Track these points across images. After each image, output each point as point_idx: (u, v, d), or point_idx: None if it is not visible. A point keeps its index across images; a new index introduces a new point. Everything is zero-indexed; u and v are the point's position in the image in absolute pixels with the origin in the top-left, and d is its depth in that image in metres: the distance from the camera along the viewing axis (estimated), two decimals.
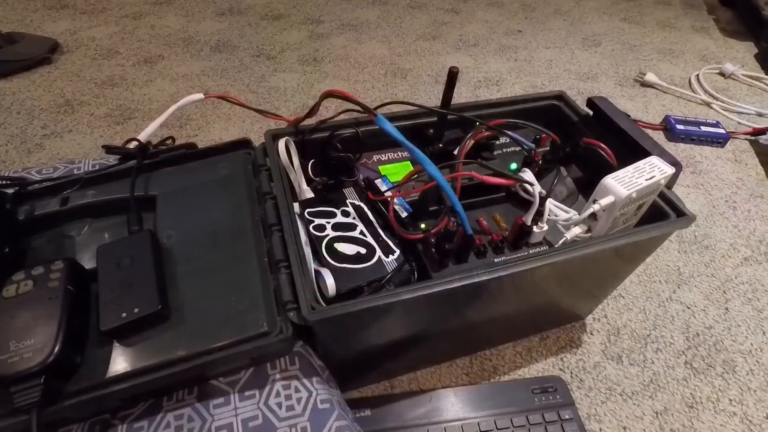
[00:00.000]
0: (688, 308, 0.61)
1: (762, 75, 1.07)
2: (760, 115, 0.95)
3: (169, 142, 0.48)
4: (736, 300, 0.62)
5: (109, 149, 0.50)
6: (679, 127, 0.87)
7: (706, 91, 1.01)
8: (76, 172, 0.54)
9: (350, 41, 1.10)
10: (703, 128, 0.87)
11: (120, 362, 0.33)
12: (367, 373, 0.49)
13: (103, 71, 0.95)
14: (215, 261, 0.39)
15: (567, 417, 0.47)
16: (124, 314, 0.33)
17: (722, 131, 0.87)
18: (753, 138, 0.90)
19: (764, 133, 0.89)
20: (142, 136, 0.51)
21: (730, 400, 0.52)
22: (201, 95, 0.53)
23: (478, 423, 0.47)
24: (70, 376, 0.32)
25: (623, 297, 0.61)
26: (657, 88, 1.02)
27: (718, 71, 1.08)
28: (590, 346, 0.56)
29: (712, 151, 0.86)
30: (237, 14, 1.18)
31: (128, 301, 0.34)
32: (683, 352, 0.56)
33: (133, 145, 0.50)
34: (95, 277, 0.37)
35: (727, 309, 0.61)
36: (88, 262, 0.39)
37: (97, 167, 0.54)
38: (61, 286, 0.33)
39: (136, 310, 0.33)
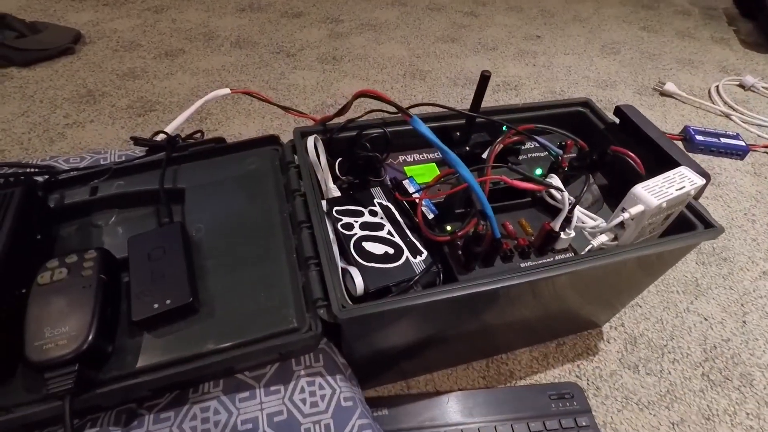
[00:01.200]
0: (706, 320, 0.60)
1: None
2: None
3: (197, 135, 0.49)
4: (754, 313, 0.62)
5: (137, 141, 0.50)
6: (699, 138, 0.86)
7: (725, 103, 1.00)
8: (102, 162, 0.55)
9: (369, 41, 1.11)
10: (723, 140, 0.87)
11: (150, 353, 0.33)
12: (385, 373, 0.50)
13: (124, 63, 0.95)
14: (244, 256, 0.39)
15: (584, 424, 0.47)
16: (155, 305, 0.33)
17: (742, 143, 0.87)
18: None
19: None
20: (171, 128, 0.51)
21: (747, 413, 0.51)
22: (227, 90, 0.53)
23: (495, 426, 0.47)
24: (102, 364, 0.32)
25: (641, 306, 0.61)
26: (676, 98, 1.01)
27: (738, 83, 1.07)
28: (607, 354, 0.55)
29: (731, 163, 0.86)
30: (257, 11, 1.18)
31: (160, 292, 0.34)
32: (700, 363, 0.56)
33: (160, 137, 0.50)
34: (125, 266, 0.37)
35: (744, 322, 0.61)
36: (115, 252, 0.39)
37: (123, 158, 0.54)
38: (95, 275, 0.34)
39: (168, 301, 0.34)
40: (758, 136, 0.93)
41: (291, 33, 1.11)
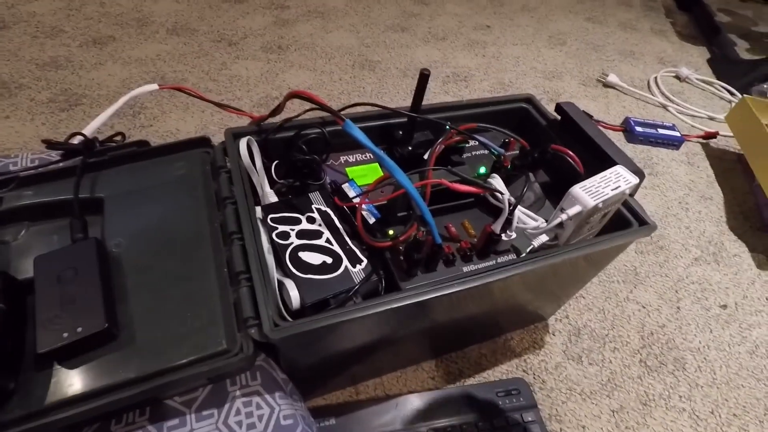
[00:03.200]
0: (644, 308, 0.63)
1: (713, 80, 1.12)
2: (711, 118, 1.00)
3: (118, 138, 0.45)
4: (687, 299, 0.65)
5: (50, 144, 0.45)
6: (638, 129, 0.90)
7: (663, 94, 1.05)
8: (12, 167, 0.49)
9: (317, 29, 1.07)
10: (660, 131, 0.90)
11: (61, 387, 0.30)
12: (331, 380, 0.48)
13: (45, 51, 0.87)
14: (169, 272, 0.36)
15: (530, 419, 0.48)
16: (65, 334, 0.30)
17: (677, 134, 0.91)
18: (704, 141, 0.94)
19: (714, 137, 0.94)
20: (89, 130, 0.47)
21: (680, 396, 0.54)
22: (155, 86, 0.49)
23: (445, 429, 0.47)
24: (2, 404, 0.29)
25: (584, 297, 0.63)
26: (618, 89, 1.05)
27: (674, 74, 1.12)
28: (552, 347, 0.57)
29: (667, 153, 0.90)
30: None
31: (70, 319, 0.31)
32: (638, 350, 0.58)
33: (77, 139, 0.46)
34: (32, 288, 0.34)
35: (678, 308, 0.64)
36: (25, 272, 0.35)
37: (36, 162, 0.49)
38: None
39: (79, 329, 0.30)
40: (692, 126, 0.98)
41: (233, 20, 1.05)
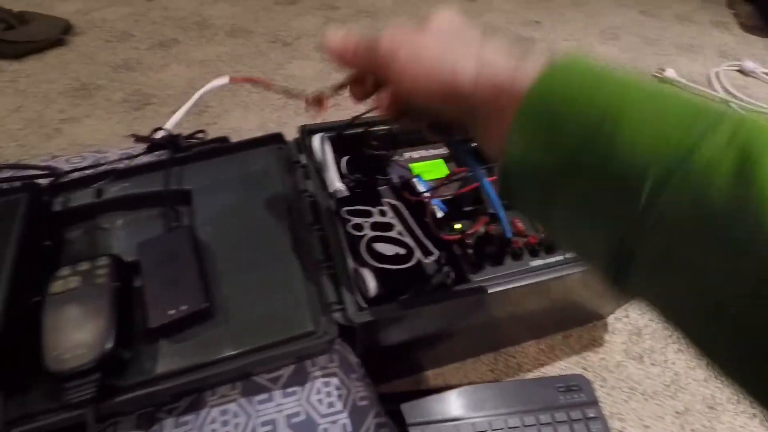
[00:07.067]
0: None
1: None
2: None
3: (200, 135, 0.48)
4: None
5: (137, 138, 0.49)
6: None
7: (725, 89, 1.00)
8: (103, 161, 0.54)
9: (366, 28, 1.09)
10: None
11: (169, 359, 0.33)
12: (395, 369, 0.50)
13: (117, 54, 0.93)
14: (255, 259, 0.39)
15: (592, 415, 0.48)
16: (171, 311, 0.33)
17: None
18: None
19: None
20: (170, 124, 0.51)
21: (750, 401, 0.53)
22: (226, 79, 0.52)
23: (506, 419, 0.47)
24: (122, 372, 0.32)
25: None
26: (676, 85, 1.01)
27: (738, 68, 1.07)
28: (612, 345, 0.56)
29: None
30: None
31: (174, 298, 0.34)
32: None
33: (160, 134, 0.49)
34: (134, 270, 0.37)
35: None
36: (124, 256, 0.39)
37: (124, 157, 0.54)
38: (108, 282, 0.34)
39: (184, 307, 0.34)
40: None
41: (286, 21, 1.09)
